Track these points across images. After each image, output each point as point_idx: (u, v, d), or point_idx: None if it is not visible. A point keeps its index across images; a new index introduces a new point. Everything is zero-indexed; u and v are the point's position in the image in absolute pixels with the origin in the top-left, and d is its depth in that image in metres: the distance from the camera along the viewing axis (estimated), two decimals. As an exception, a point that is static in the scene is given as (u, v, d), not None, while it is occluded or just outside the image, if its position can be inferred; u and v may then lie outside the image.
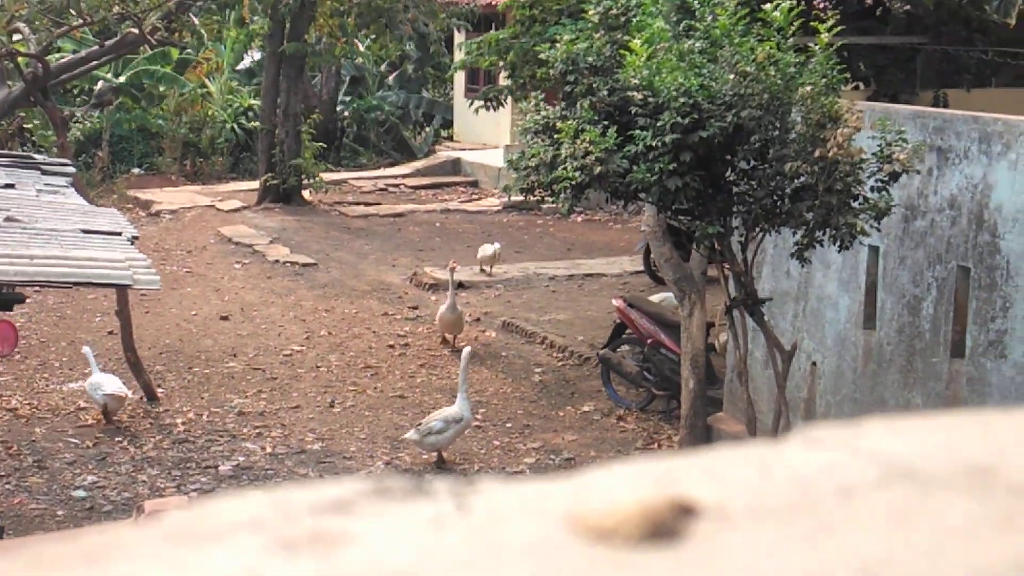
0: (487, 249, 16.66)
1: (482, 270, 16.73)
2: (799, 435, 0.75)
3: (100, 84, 21.89)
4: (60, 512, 9.93)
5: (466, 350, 11.76)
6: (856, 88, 14.77)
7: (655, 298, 13.45)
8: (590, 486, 0.67)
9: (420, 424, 10.79)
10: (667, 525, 0.61)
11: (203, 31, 20.23)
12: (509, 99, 17.37)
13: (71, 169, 11.82)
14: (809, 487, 0.67)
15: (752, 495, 0.66)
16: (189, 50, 25.32)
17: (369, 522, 0.64)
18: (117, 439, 11.45)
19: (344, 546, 0.61)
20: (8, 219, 8.75)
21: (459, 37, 23.78)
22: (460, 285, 16.39)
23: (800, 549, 0.60)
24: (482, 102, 17.51)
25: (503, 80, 17.64)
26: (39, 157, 12.78)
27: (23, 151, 18.71)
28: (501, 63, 15.62)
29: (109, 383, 11.65)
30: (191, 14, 16.78)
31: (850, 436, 0.73)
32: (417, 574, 0.57)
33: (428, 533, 0.62)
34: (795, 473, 0.69)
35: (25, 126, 23.14)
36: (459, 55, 20.33)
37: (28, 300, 12.02)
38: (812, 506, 0.65)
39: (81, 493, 10.30)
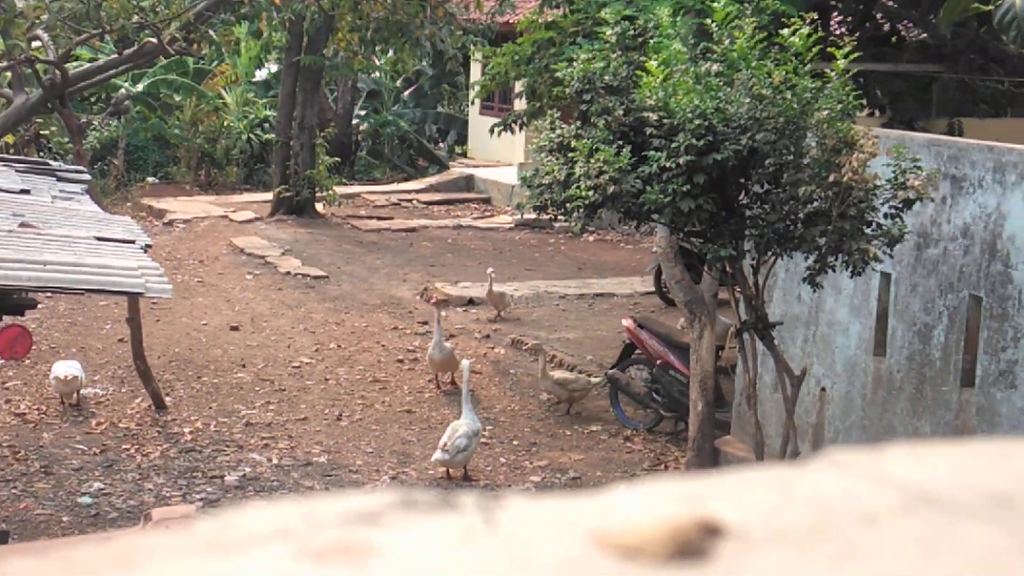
0: (496, 292, 15.50)
1: (498, 315, 15.60)
2: (821, 458, 0.75)
3: (120, 92, 22.03)
4: (66, 518, 9.93)
5: (465, 363, 11.81)
6: (872, 115, 14.79)
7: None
8: (616, 504, 0.68)
9: (446, 444, 10.79)
10: (694, 544, 0.61)
11: (220, 42, 20.32)
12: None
13: (86, 176, 11.87)
14: (831, 511, 0.67)
15: (774, 518, 0.66)
16: (202, 62, 25.44)
17: (397, 534, 0.64)
18: (124, 447, 11.47)
19: (372, 558, 0.62)
20: (23, 224, 8.79)
21: (476, 68, 23.88)
22: (470, 302, 16.37)
23: (825, 573, 0.60)
24: (502, 126, 17.51)
25: (518, 89, 17.60)
26: (55, 164, 12.83)
27: (40, 157, 18.79)
28: (515, 70, 15.57)
29: (59, 368, 11.94)
30: (209, 26, 16.86)
31: (872, 461, 0.73)
32: (445, 587, 0.58)
33: (456, 547, 0.63)
34: (817, 497, 0.69)
35: (42, 132, 23.25)
36: (477, 73, 20.33)
37: (40, 306, 12.06)
38: (835, 530, 0.65)
39: (87, 500, 10.30)
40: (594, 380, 12.99)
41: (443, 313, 14.48)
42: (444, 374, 13.41)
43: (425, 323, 15.51)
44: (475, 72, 24.53)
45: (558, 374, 12.89)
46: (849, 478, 0.72)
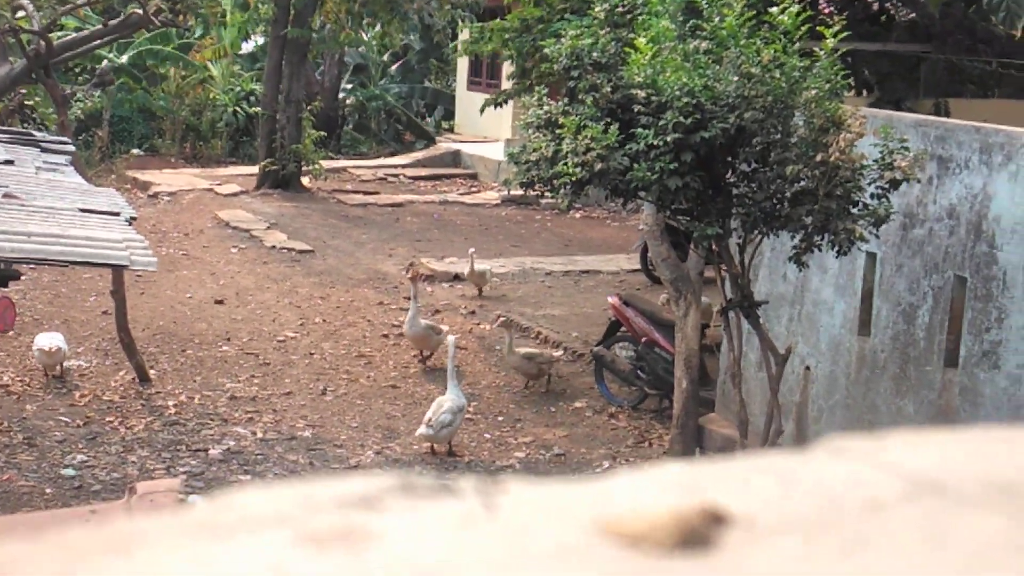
0: (477, 271, 15.30)
1: (480, 292, 15.55)
2: (823, 446, 0.75)
3: (104, 63, 21.89)
4: (49, 490, 9.91)
5: (451, 338, 11.80)
6: (859, 94, 14.79)
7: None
8: (618, 490, 0.67)
9: (431, 420, 10.78)
10: (699, 533, 0.61)
11: (206, 14, 20.20)
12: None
13: (70, 148, 11.80)
14: (836, 500, 0.67)
15: (778, 506, 0.66)
16: (187, 34, 25.30)
17: (396, 519, 0.63)
18: (108, 419, 11.44)
19: (372, 542, 0.61)
20: (6, 195, 8.74)
21: (464, 34, 23.78)
22: (456, 277, 16.34)
23: (832, 563, 0.60)
24: (493, 104, 17.46)
25: (507, 72, 17.58)
26: (39, 134, 12.75)
27: (24, 127, 18.68)
28: (506, 51, 15.53)
29: (42, 339, 11.92)
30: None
31: (874, 449, 0.73)
32: (446, 573, 0.57)
33: (456, 532, 0.62)
34: (820, 485, 0.69)
35: (27, 103, 23.11)
36: (464, 37, 20.28)
37: (23, 277, 12.00)
38: (840, 519, 0.65)
39: (70, 472, 10.28)
40: (556, 353, 13.12)
41: (428, 289, 14.42)
42: (425, 350, 13.36)
43: (410, 298, 15.47)
44: (463, 39, 24.41)
45: (525, 349, 12.89)
46: (852, 466, 0.71)
